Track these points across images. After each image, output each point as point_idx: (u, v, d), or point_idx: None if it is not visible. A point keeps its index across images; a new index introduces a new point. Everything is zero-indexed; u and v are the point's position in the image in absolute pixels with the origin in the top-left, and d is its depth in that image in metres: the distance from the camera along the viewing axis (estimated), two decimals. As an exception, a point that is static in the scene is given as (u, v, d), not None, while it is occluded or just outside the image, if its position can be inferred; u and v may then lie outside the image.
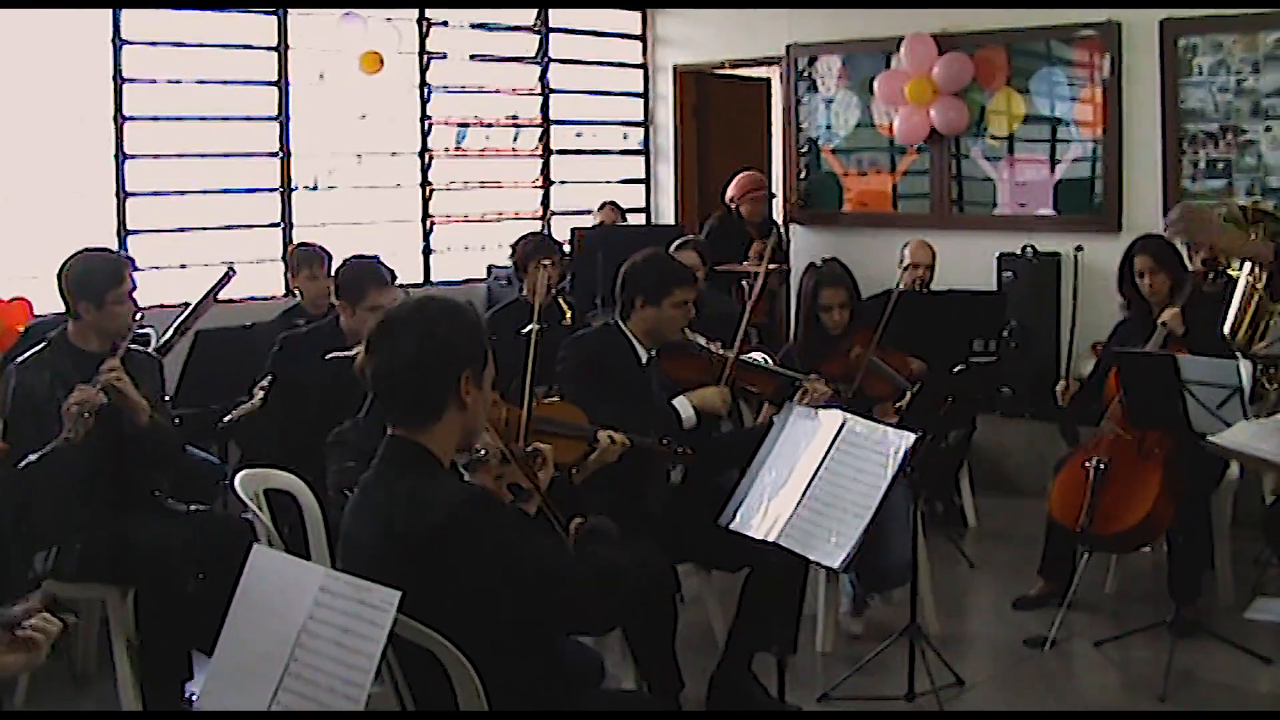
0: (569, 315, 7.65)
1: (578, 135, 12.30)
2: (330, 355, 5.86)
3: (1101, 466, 6.20)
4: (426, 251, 10.99)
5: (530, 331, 5.05)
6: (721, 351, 6.09)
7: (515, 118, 11.75)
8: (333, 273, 6.67)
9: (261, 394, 6.34)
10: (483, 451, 3.81)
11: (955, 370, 6.65)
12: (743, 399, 6.61)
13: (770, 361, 6.43)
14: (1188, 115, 9.33)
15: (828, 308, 6.54)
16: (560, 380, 5.75)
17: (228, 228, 9.64)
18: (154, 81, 9.23)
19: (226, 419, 6.55)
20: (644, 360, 5.76)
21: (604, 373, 5.62)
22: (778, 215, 11.26)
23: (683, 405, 5.77)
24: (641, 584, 3.82)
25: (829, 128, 11.19)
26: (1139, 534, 6.23)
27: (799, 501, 4.48)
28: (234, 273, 7.15)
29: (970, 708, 5.72)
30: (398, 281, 6.23)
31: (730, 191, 10.62)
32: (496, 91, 11.52)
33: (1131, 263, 6.76)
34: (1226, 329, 6.86)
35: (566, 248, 8.95)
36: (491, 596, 3.30)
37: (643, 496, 5.55)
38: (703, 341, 6.07)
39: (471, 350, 3.48)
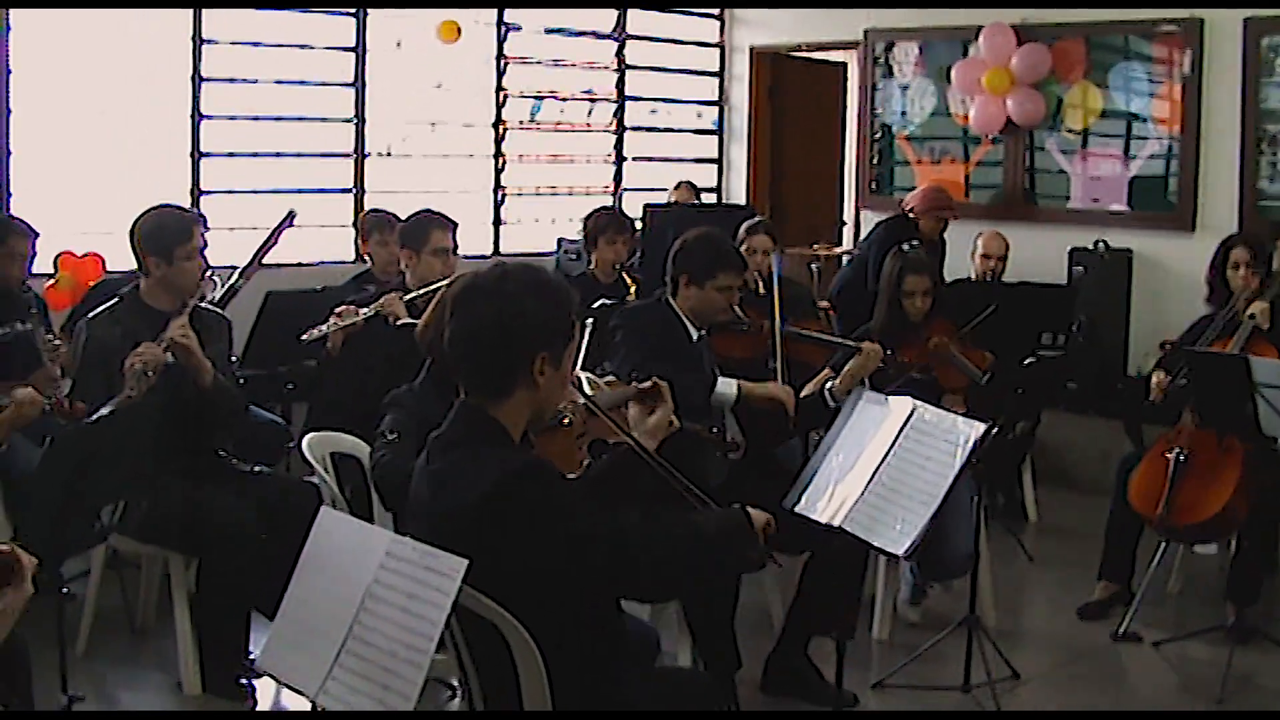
0: (633, 291, 7.66)
1: (652, 113, 12.28)
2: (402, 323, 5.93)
3: (1182, 458, 6.12)
4: (497, 223, 11.03)
5: (599, 306, 5.03)
6: (768, 326, 6.16)
7: (590, 93, 11.77)
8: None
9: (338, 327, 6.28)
10: (566, 419, 3.72)
11: (1023, 363, 6.60)
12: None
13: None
14: (1268, 115, 9.25)
15: (910, 294, 6.49)
16: (614, 349, 5.74)
17: (300, 191, 9.67)
18: (233, 44, 9.29)
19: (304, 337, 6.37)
20: (694, 338, 5.78)
21: (656, 343, 5.62)
22: (849, 202, 11.17)
23: (726, 384, 5.76)
24: (717, 548, 3.46)
25: (904, 114, 11.14)
26: (1213, 527, 6.15)
27: (865, 487, 4.44)
28: (294, 215, 6.94)
29: (1025, 701, 5.70)
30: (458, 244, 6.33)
31: (914, 202, 9.41)
32: (573, 66, 11.55)
33: (1228, 253, 6.70)
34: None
35: (638, 225, 8.95)
36: (545, 569, 3.23)
37: (704, 471, 5.54)
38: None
39: (553, 330, 3.37)
